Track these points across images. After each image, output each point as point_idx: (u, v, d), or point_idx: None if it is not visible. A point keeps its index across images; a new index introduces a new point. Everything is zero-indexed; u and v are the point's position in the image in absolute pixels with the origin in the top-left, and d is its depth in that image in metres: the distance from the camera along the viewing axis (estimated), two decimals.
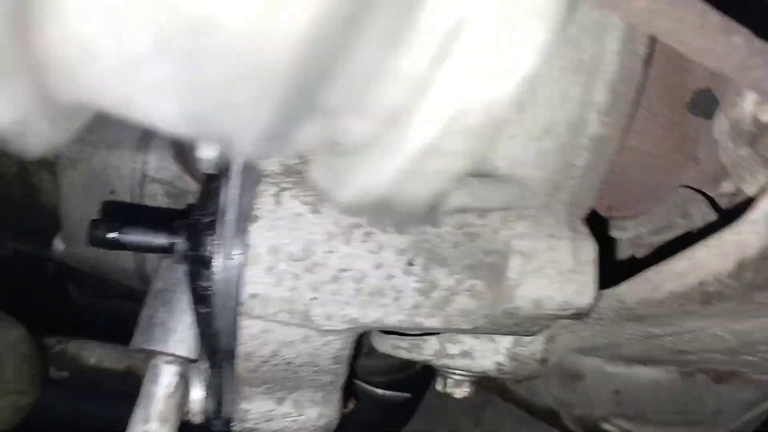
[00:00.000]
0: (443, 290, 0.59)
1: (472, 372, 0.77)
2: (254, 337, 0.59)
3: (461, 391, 0.83)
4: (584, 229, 0.58)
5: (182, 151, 0.97)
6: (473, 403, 2.00)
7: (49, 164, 1.09)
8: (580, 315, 0.57)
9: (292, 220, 0.57)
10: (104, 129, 0.96)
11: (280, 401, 0.66)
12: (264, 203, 0.57)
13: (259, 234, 0.57)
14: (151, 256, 1.00)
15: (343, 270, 0.58)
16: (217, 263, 0.57)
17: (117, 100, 0.27)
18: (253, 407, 0.66)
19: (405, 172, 0.28)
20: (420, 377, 1.19)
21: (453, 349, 0.75)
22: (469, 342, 0.75)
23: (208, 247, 0.60)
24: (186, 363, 0.90)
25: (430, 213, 0.32)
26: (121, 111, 0.28)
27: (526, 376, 0.78)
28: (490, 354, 0.75)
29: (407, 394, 1.15)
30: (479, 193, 0.52)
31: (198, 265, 0.61)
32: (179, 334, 0.88)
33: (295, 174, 0.57)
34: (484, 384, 1.49)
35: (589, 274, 0.56)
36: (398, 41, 0.25)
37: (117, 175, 0.95)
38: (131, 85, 0.25)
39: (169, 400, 0.89)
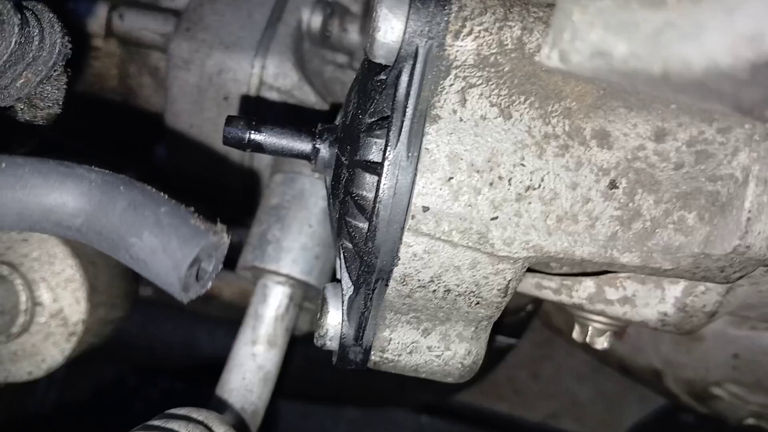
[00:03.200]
0: (647, 221, 0.50)
1: (629, 321, 0.68)
2: (416, 257, 0.52)
3: (602, 342, 0.75)
4: None
5: (302, 58, 0.88)
6: (532, 356, 1.94)
7: (152, 69, 1.02)
8: None
9: (476, 124, 0.49)
10: (221, 28, 0.88)
11: (426, 333, 0.59)
12: (447, 101, 0.48)
13: (438, 137, 0.48)
14: (261, 172, 0.94)
15: (531, 187, 0.49)
16: (386, 169, 0.49)
17: None
18: (396, 336, 0.59)
19: None
20: (524, 324, 1.11)
21: (612, 293, 0.67)
22: (632, 287, 0.66)
23: (374, 150, 0.52)
24: (298, 286, 0.84)
25: None
26: None
27: (687, 331, 0.69)
28: (655, 302, 0.66)
29: (512, 340, 1.07)
30: None
31: (357, 170, 0.53)
32: (294, 254, 0.82)
33: (490, 66, 0.48)
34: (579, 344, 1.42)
35: None
36: None
37: (232, 79, 0.87)
38: None
39: (278, 323, 0.83)
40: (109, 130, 1.16)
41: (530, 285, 0.72)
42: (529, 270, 0.73)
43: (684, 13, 0.24)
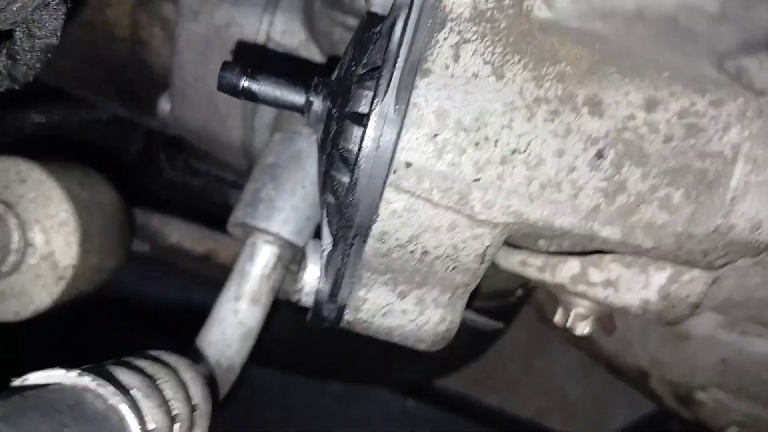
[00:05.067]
0: (632, 195, 0.49)
1: (611, 305, 0.67)
2: (396, 214, 0.51)
3: (583, 327, 0.74)
4: None
5: (312, 17, 0.88)
6: (526, 350, 1.94)
7: (163, 20, 1.02)
8: None
9: (468, 81, 0.48)
10: None
11: (402, 296, 0.59)
12: (439, 55, 0.48)
13: (428, 91, 0.48)
14: (262, 131, 0.93)
15: (517, 151, 0.49)
16: (372, 120, 0.48)
17: None
18: (371, 297, 0.59)
19: None
20: (514, 309, 1.11)
21: (596, 275, 0.66)
22: (616, 270, 0.65)
23: (362, 101, 0.51)
24: (287, 246, 0.84)
25: None
26: None
27: (669, 321, 0.68)
28: (638, 287, 0.65)
29: (499, 324, 1.07)
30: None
31: (346, 121, 0.52)
32: (285, 214, 0.82)
33: (487, 22, 0.47)
34: (569, 338, 1.41)
35: None
36: None
37: (240, 33, 0.87)
38: None
39: (263, 281, 0.83)
40: (118, 79, 1.16)
41: (516, 262, 0.71)
42: (516, 247, 0.72)
43: None
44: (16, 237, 0.93)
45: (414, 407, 1.74)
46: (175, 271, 1.41)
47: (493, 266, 0.76)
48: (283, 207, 0.82)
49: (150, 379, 0.50)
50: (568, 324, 0.75)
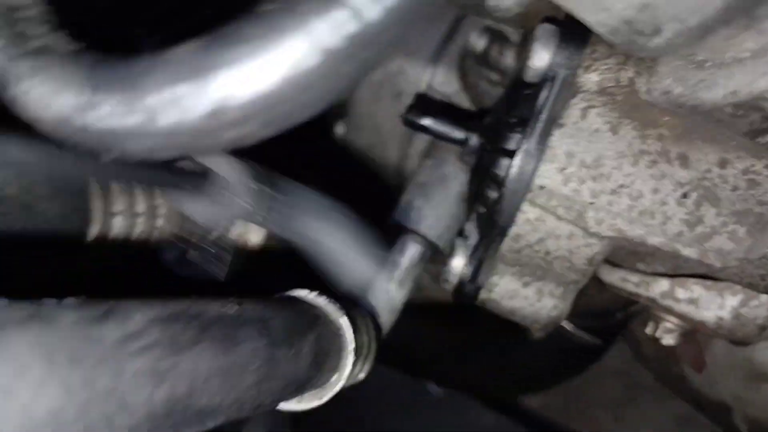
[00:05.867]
0: (707, 227, 0.67)
1: (691, 319, 0.83)
2: (529, 222, 0.72)
3: (669, 338, 0.91)
4: None
5: (464, 71, 1.10)
6: (618, 397, 1.96)
7: None
8: None
9: (591, 134, 0.68)
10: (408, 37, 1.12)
11: (526, 285, 0.79)
12: (571, 114, 0.68)
13: (560, 138, 0.68)
14: (414, 157, 1.17)
15: (623, 186, 0.68)
16: (519, 155, 0.69)
17: None
18: (502, 283, 0.79)
19: None
20: (613, 331, 1.26)
21: (682, 293, 0.83)
22: (698, 291, 0.82)
23: (512, 141, 0.72)
24: (430, 246, 1.06)
25: None
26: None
27: (740, 339, 0.83)
28: (715, 307, 0.81)
29: (598, 341, 1.23)
30: None
31: (498, 155, 0.74)
32: (431, 221, 1.04)
33: (608, 95, 0.67)
34: (661, 374, 1.52)
35: None
36: None
37: (406, 80, 1.11)
38: None
39: (408, 270, 1.06)
40: None
41: (617, 277, 0.89)
42: (618, 265, 0.90)
43: (710, 72, 0.43)
44: None
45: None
46: None
47: (597, 285, 0.94)
48: (430, 215, 1.04)
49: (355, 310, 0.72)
50: (657, 334, 0.92)
